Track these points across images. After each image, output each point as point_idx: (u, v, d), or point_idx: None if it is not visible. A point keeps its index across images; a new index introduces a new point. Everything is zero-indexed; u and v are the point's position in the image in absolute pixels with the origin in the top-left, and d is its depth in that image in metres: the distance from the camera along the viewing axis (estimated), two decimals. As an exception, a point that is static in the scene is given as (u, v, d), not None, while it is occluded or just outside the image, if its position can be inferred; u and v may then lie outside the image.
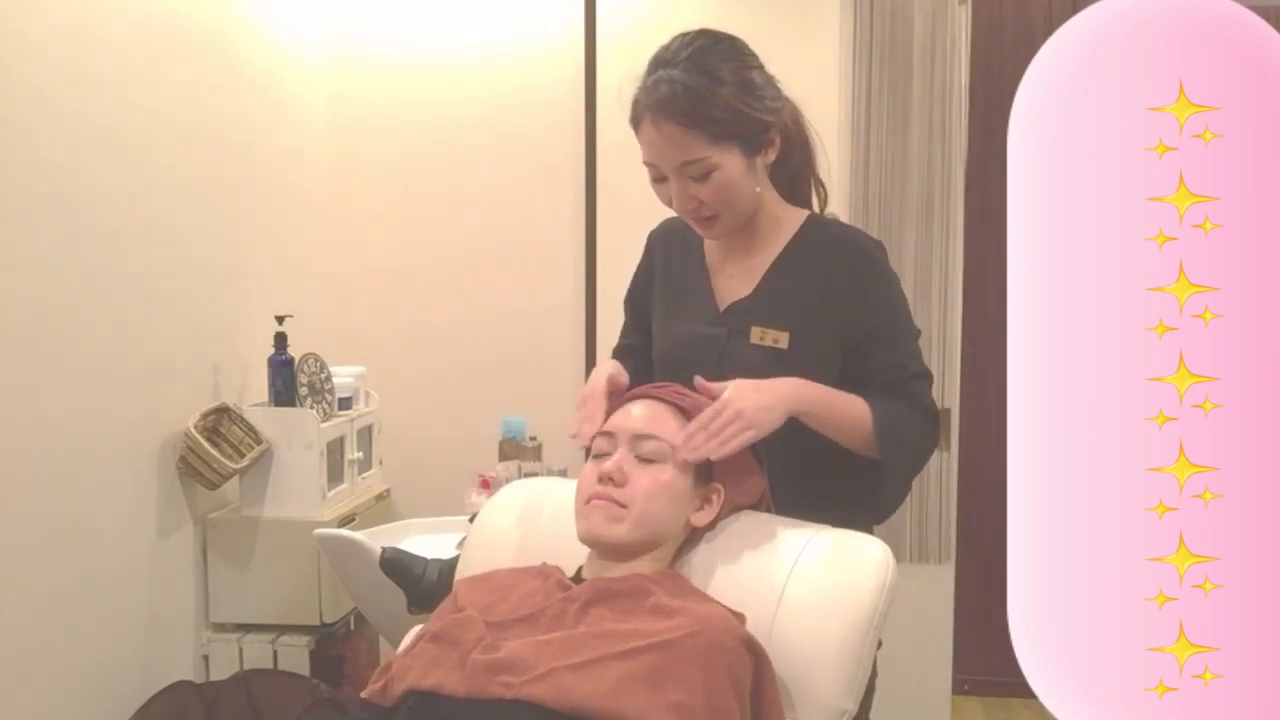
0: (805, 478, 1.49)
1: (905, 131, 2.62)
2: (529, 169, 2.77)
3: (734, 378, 1.42)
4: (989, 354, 3.09)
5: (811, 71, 2.66)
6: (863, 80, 2.62)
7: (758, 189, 1.51)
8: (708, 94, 1.40)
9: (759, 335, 1.50)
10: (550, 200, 2.77)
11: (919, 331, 1.55)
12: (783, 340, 1.49)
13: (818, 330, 1.50)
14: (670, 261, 1.64)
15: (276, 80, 2.57)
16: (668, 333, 1.61)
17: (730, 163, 1.44)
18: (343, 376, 2.45)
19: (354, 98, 2.79)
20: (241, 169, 2.40)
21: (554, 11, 2.72)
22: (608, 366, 1.54)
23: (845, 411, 1.45)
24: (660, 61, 1.44)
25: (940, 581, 2.74)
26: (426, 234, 2.81)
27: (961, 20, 2.63)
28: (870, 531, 1.49)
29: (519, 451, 2.49)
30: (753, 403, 1.36)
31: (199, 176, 2.22)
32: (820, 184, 1.64)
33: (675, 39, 1.46)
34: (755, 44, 1.50)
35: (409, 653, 1.32)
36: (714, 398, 1.38)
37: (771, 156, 1.50)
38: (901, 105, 2.62)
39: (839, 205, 2.65)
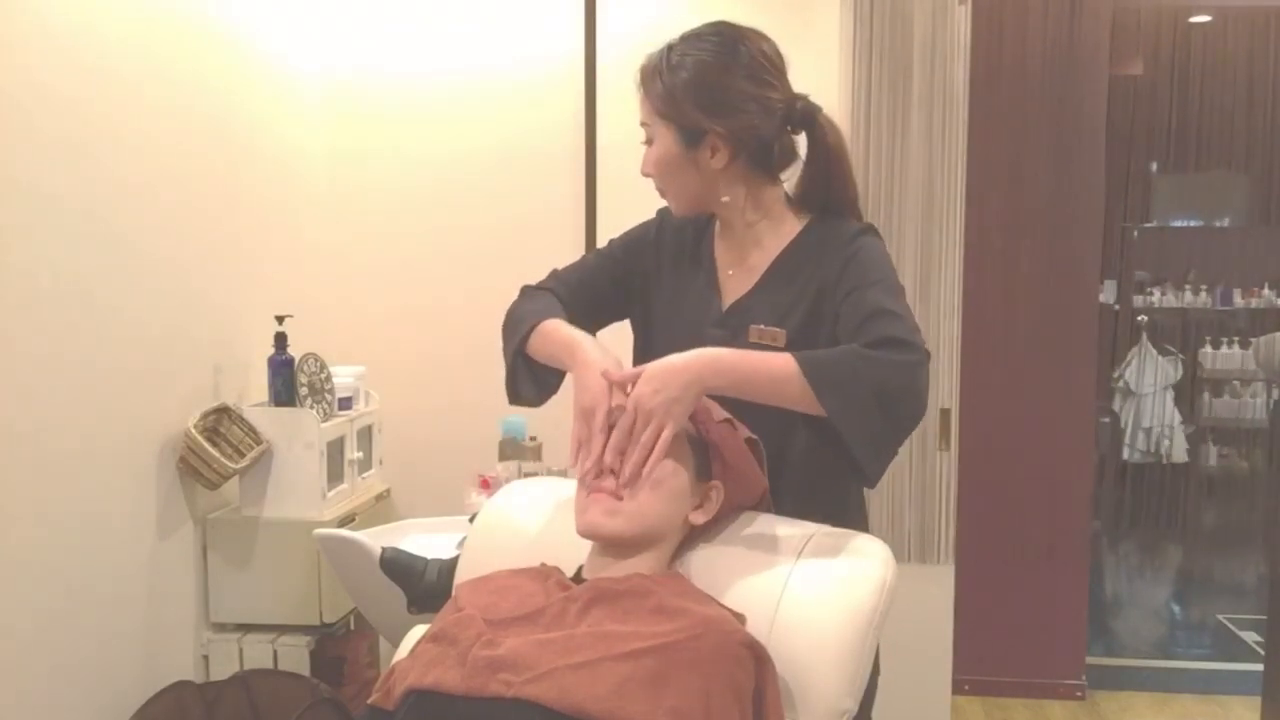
0: (805, 477, 1.49)
1: (905, 131, 2.62)
2: (531, 167, 2.76)
3: None
4: (989, 354, 3.10)
5: (811, 71, 2.64)
6: (863, 80, 2.61)
7: (722, 197, 1.50)
8: (659, 69, 1.47)
9: (757, 334, 1.49)
10: (551, 202, 2.76)
11: (901, 290, 1.44)
12: (780, 339, 1.48)
13: (814, 326, 1.48)
14: (681, 254, 1.61)
15: (277, 78, 2.57)
16: (671, 331, 1.57)
17: (665, 140, 1.48)
18: (343, 376, 2.45)
19: (355, 96, 2.79)
20: (242, 168, 2.40)
21: (555, 12, 2.72)
22: (604, 362, 1.40)
23: (766, 369, 1.33)
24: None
25: (940, 581, 2.74)
26: (427, 234, 2.81)
27: (961, 20, 2.62)
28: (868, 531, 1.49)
29: (519, 452, 2.49)
30: (661, 397, 1.31)
31: (199, 176, 2.22)
32: (859, 218, 1.57)
33: (709, 22, 1.51)
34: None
35: (409, 655, 1.32)
36: (625, 388, 1.35)
37: (716, 163, 1.47)
38: (901, 105, 2.61)
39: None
